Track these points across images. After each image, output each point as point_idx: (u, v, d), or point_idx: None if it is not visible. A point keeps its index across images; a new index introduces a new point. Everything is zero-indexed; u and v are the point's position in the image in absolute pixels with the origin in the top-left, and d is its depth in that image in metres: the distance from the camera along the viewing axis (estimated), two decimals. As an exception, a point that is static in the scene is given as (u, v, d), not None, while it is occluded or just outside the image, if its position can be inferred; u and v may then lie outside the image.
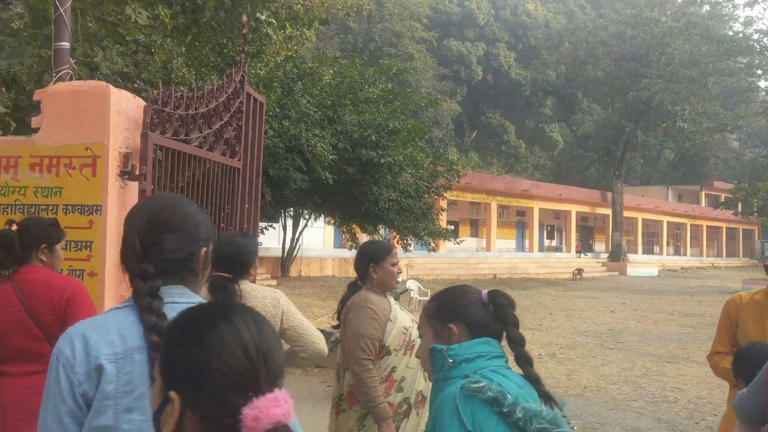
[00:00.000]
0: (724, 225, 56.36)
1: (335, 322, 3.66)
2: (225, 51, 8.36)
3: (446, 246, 29.78)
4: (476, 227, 41.85)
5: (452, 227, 37.90)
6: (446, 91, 44.28)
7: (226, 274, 3.00)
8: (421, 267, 28.78)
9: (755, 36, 32.97)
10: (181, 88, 6.02)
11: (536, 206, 39.82)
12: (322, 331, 9.55)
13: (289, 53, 10.32)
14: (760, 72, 33.58)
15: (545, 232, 46.67)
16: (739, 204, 37.16)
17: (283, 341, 2.69)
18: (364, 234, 11.52)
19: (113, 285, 3.76)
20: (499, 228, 39.78)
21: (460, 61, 46.04)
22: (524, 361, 1.81)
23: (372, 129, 8.70)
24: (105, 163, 3.78)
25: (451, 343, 1.80)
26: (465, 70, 46.04)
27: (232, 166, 6.17)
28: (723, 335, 3.38)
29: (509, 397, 1.63)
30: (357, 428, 3.32)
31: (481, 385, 1.64)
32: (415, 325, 3.57)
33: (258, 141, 6.74)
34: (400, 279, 9.05)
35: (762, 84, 35.59)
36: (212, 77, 8.17)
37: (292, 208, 13.06)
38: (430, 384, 3.47)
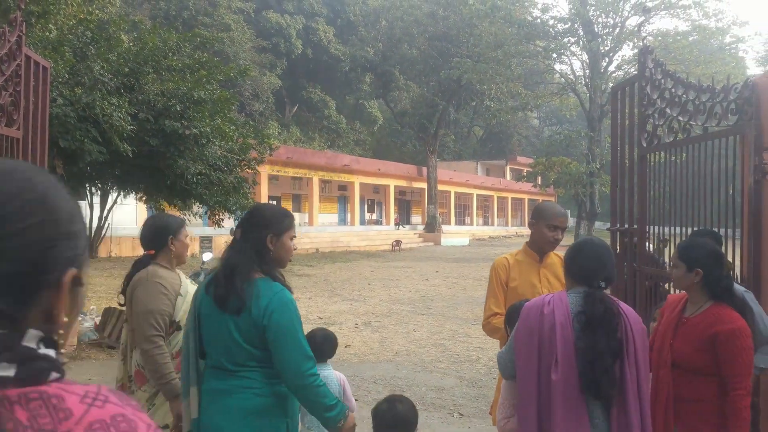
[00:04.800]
0: (526, 197, 61.39)
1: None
2: (9, 10, 7.46)
3: (267, 221, 29.44)
4: (299, 202, 41.84)
5: (274, 202, 37.58)
6: (266, 63, 43.47)
7: None
8: (242, 243, 28.23)
9: (551, 22, 35.87)
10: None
11: (357, 181, 40.61)
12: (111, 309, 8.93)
13: (86, 16, 9.47)
14: (555, 55, 36.58)
15: (366, 206, 47.84)
16: (539, 177, 40.49)
17: None
18: (175, 209, 11.00)
19: None
20: (321, 202, 40.10)
21: (279, 33, 45.33)
22: None
23: (176, 99, 8.22)
24: None
25: None
26: (284, 43, 45.43)
27: (10, 136, 5.58)
28: (498, 297, 3.59)
29: None
30: (147, 408, 3.18)
31: None
32: (207, 299, 3.48)
33: (42, 109, 6.12)
34: (210, 256, 8.73)
35: (557, 67, 38.84)
36: (-10, 38, 7.28)
37: (91, 183, 12.08)
38: (224, 357, 3.43)
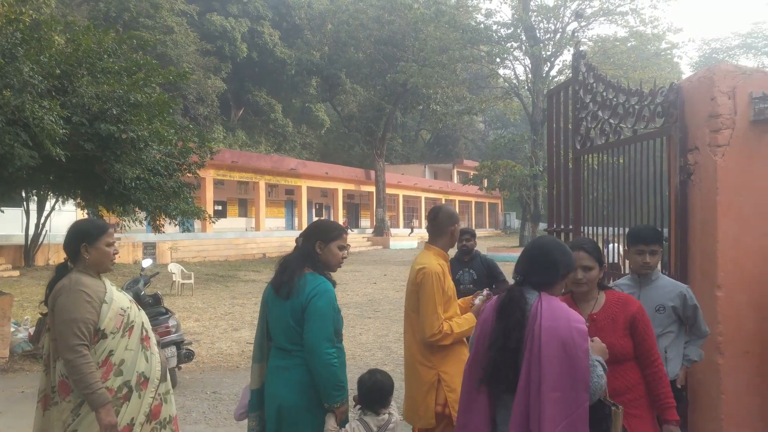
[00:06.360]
0: (473, 199, 62.16)
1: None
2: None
3: (213, 227, 29.04)
4: (245, 207, 41.36)
5: (220, 207, 37.06)
6: (210, 67, 42.79)
7: None
8: (187, 249, 27.75)
9: (494, 27, 36.42)
10: None
11: (304, 184, 40.37)
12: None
13: (17, 16, 9.12)
14: (498, 60, 37.13)
15: (314, 210, 47.62)
16: (485, 180, 41.05)
17: None
18: (113, 215, 10.70)
19: None
20: (268, 207, 39.70)
21: (223, 36, 44.68)
22: None
23: (112, 102, 7.99)
24: None
25: None
26: (229, 46, 44.80)
27: (-68, 141, 5.36)
28: (440, 303, 3.57)
29: None
30: (71, 419, 3.07)
31: None
32: (134, 305, 3.38)
33: (-33, 112, 5.93)
34: (150, 262, 8.51)
35: (501, 71, 39.32)
36: None
37: (26, 189, 11.65)
38: (153, 365, 3.34)
